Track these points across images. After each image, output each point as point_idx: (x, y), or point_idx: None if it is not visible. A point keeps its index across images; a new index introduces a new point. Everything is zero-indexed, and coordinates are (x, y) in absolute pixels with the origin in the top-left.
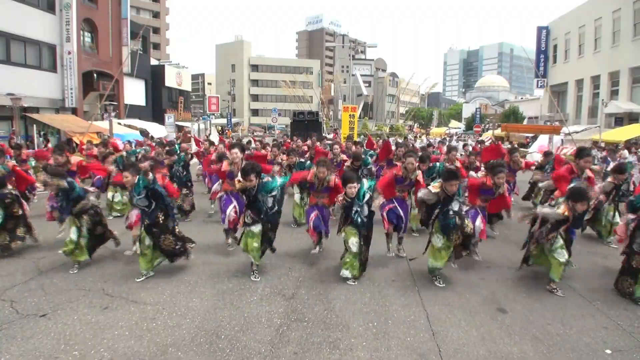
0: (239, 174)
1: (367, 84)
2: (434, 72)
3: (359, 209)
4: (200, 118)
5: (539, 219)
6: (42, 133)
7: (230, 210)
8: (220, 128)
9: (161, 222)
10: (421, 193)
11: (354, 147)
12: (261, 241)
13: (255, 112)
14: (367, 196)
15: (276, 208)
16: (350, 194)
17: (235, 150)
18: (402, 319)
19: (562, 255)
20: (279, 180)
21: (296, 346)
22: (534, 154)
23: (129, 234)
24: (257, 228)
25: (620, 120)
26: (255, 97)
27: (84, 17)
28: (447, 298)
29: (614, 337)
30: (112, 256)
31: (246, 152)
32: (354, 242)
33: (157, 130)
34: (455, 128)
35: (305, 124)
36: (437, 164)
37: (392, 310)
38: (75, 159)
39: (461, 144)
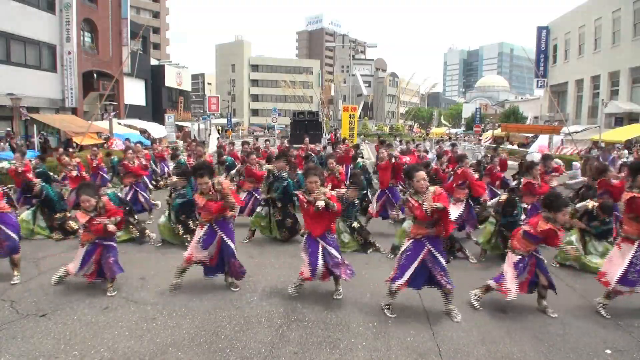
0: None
1: (367, 84)
2: (434, 72)
3: None
4: (200, 118)
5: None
6: (42, 133)
7: None
8: (220, 128)
9: None
10: None
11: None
12: None
13: (255, 112)
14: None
15: None
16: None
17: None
18: (402, 319)
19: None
20: None
21: (296, 346)
22: (534, 154)
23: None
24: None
25: (620, 120)
26: (255, 97)
27: (84, 17)
28: None
29: (614, 337)
30: None
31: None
32: None
33: (157, 130)
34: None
35: (305, 124)
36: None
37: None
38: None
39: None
